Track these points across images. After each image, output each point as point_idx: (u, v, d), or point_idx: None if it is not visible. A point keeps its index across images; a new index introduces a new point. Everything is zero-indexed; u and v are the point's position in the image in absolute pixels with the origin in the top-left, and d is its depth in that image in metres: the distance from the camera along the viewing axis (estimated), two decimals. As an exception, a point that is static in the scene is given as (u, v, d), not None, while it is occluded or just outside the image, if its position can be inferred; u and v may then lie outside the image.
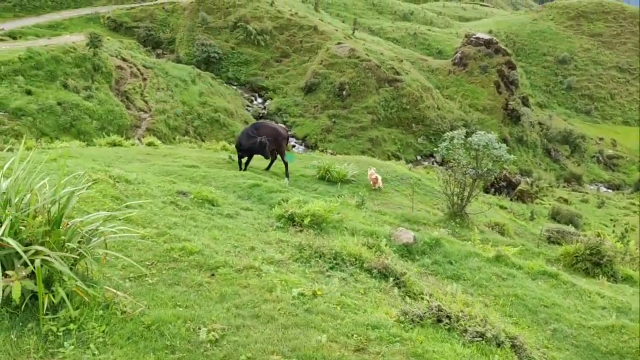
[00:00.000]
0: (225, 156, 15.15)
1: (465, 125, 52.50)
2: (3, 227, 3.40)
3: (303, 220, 7.01)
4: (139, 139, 37.04)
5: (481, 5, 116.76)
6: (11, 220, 3.52)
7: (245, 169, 13.52)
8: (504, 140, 56.83)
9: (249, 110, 49.69)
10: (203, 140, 41.05)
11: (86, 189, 4.37)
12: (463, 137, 12.46)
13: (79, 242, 3.75)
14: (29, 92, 33.02)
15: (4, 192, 3.72)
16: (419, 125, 52.01)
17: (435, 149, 51.56)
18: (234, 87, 52.37)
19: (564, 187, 52.42)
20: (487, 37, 59.57)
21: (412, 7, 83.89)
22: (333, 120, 49.28)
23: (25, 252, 3.38)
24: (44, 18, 54.08)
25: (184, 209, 6.64)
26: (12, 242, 3.27)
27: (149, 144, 15.77)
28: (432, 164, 49.96)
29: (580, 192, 51.01)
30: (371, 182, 14.09)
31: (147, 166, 10.74)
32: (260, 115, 50.25)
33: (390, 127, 50.89)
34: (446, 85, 58.46)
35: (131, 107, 39.41)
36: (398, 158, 44.71)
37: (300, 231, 6.86)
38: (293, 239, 6.33)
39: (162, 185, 7.72)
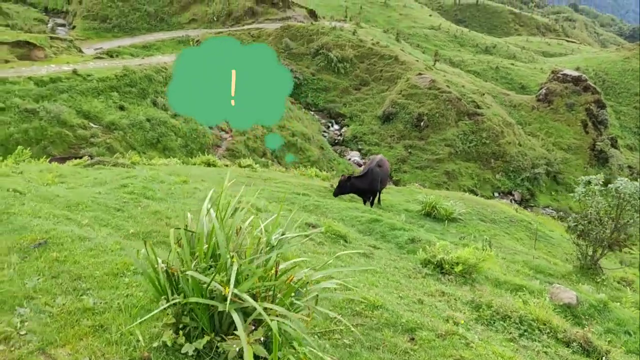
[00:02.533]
0: (321, 183, 14.60)
1: (548, 164, 50.11)
2: (232, 279, 2.92)
3: (453, 268, 6.28)
4: (218, 158, 37.81)
5: (567, 41, 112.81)
6: (238, 270, 3.09)
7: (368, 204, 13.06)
8: (589, 183, 53.70)
9: (325, 136, 49.71)
10: (280, 164, 41.39)
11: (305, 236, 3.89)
12: (601, 182, 11.30)
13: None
14: (122, 108, 34.51)
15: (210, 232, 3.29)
16: (498, 161, 50.01)
17: (514, 186, 49.47)
18: (312, 113, 52.73)
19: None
20: (575, 73, 56.90)
21: (495, 40, 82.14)
22: (409, 150, 48.36)
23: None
24: (139, 39, 57.18)
25: (320, 244, 6.11)
26: (249, 300, 2.85)
27: (247, 166, 15.52)
28: (511, 202, 47.71)
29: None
30: None
31: (257, 191, 10.43)
32: (336, 141, 50.15)
33: (467, 161, 49.25)
34: (529, 122, 56.14)
35: (214, 126, 40.22)
36: (475, 194, 42.99)
37: (450, 280, 6.11)
38: (458, 292, 5.60)
39: (287, 214, 7.26)
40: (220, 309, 3.04)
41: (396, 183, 46.26)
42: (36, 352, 3.33)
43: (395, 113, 50.28)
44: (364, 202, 13.42)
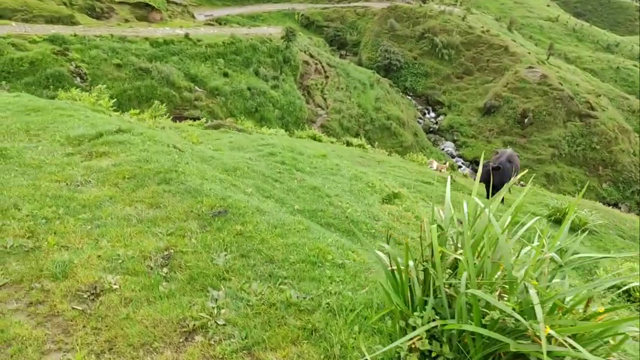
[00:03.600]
0: (435, 172, 13.67)
1: (665, 179, 45.44)
2: (539, 313, 2.11)
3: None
4: (312, 133, 37.96)
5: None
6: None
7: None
8: None
9: (420, 123, 48.35)
10: (372, 145, 40.87)
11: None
12: None
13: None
14: (225, 75, 35.46)
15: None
16: (607, 169, 46.11)
17: (622, 198, 45.45)
18: (409, 98, 51.43)
19: None
20: None
21: (618, 38, 75.25)
22: (508, 147, 45.74)
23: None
24: (247, 9, 58.51)
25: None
26: (581, 350, 1.99)
27: (359, 146, 15.10)
28: (615, 215, 43.96)
29: None
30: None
31: (383, 175, 9.88)
32: (431, 129, 48.62)
33: (572, 165, 45.86)
34: (648, 131, 51.10)
35: (310, 101, 40.39)
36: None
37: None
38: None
39: (381, 185, 6.85)
40: (523, 350, 2.21)
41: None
42: (241, 352, 2.87)
43: (498, 106, 47.73)
44: (488, 196, 12.32)
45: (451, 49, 52.56)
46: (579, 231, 10.27)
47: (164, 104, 30.41)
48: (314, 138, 15.92)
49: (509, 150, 13.32)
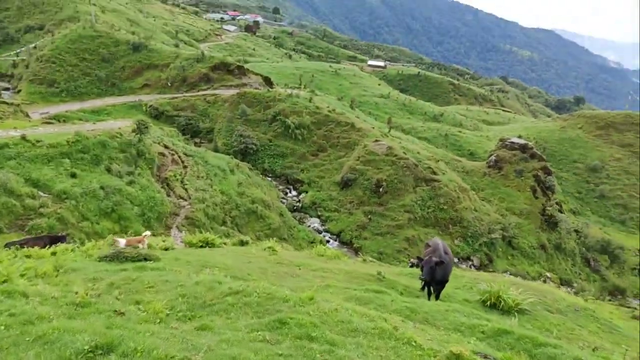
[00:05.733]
0: (361, 269, 12.99)
1: (503, 229, 51.07)
2: None
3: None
4: (177, 227, 35.86)
5: (503, 110, 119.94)
6: None
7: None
8: (542, 247, 55.11)
9: (284, 203, 48.76)
10: (240, 232, 39.77)
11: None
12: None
13: None
14: (73, 175, 32.45)
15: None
16: (456, 226, 50.54)
17: (472, 252, 49.76)
18: (269, 179, 51.96)
19: (609, 300, 49.57)
20: (521, 141, 59.67)
21: (441, 109, 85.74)
22: (369, 217, 48.07)
23: None
24: (88, 104, 55.41)
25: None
26: None
27: (269, 248, 13.90)
28: (470, 267, 47.85)
29: (629, 307, 48.07)
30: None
31: (327, 292, 8.87)
32: (295, 208, 49.23)
33: (426, 227, 49.39)
34: (481, 187, 57.72)
35: (171, 194, 38.59)
36: (418, 258, 42.74)
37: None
38: None
39: (423, 340, 6.07)
40: None
41: (356, 251, 45.56)
42: None
43: (354, 179, 50.31)
44: (429, 295, 11.92)
45: (303, 129, 54.91)
46: (514, 313, 10.41)
47: (2, 216, 26.61)
48: (206, 242, 14.29)
49: (437, 239, 12.98)
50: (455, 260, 48.54)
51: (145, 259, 9.50)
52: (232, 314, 6.75)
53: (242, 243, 15.67)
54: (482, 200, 54.87)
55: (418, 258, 13.27)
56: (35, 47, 67.60)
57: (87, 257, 10.33)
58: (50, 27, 75.20)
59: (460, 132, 74.09)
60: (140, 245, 13.16)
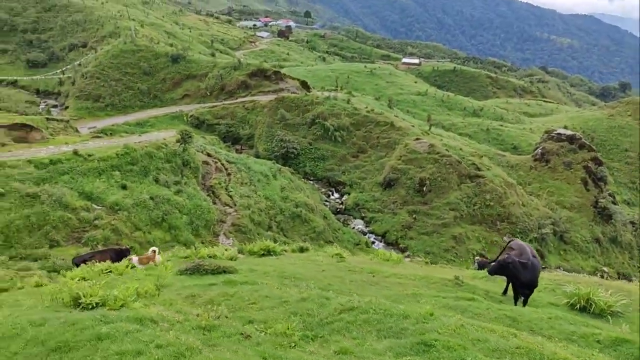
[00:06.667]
0: (438, 274, 12.55)
1: (554, 224, 49.45)
2: None
3: None
4: (224, 234, 36.30)
5: (544, 101, 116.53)
6: None
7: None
8: (597, 241, 53.08)
9: (327, 205, 48.71)
10: (285, 236, 39.91)
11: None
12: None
13: None
14: (124, 187, 33.30)
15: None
16: (504, 222, 49.23)
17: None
18: (311, 182, 52.06)
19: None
20: (568, 132, 57.76)
21: (480, 103, 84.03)
22: (414, 216, 47.47)
23: None
24: (132, 117, 56.98)
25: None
26: None
27: (337, 255, 13.77)
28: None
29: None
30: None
31: (415, 300, 8.59)
32: (338, 210, 49.13)
33: (473, 224, 48.37)
34: (528, 182, 56.14)
35: (217, 201, 39.11)
36: (483, 257, 41.89)
37: None
38: None
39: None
40: None
41: (403, 250, 45.04)
42: None
43: (396, 179, 49.79)
44: (515, 300, 11.34)
45: (342, 130, 54.78)
46: (608, 317, 9.77)
47: (59, 229, 27.53)
48: (268, 250, 13.99)
49: (520, 242, 12.07)
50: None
51: (224, 271, 9.53)
52: (355, 332, 6.47)
53: (302, 250, 15.60)
54: (530, 194, 53.34)
55: (481, 255, 12.74)
56: (80, 64, 70.02)
57: (164, 269, 10.44)
58: (93, 44, 77.75)
59: (501, 126, 72.38)
60: (151, 262, 13.37)
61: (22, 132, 36.36)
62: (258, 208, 39.93)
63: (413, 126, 56.88)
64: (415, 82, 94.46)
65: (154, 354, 4.87)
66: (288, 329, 5.97)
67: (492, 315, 8.10)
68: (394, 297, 8.49)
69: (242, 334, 5.63)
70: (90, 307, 6.10)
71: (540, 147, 56.48)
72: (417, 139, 53.04)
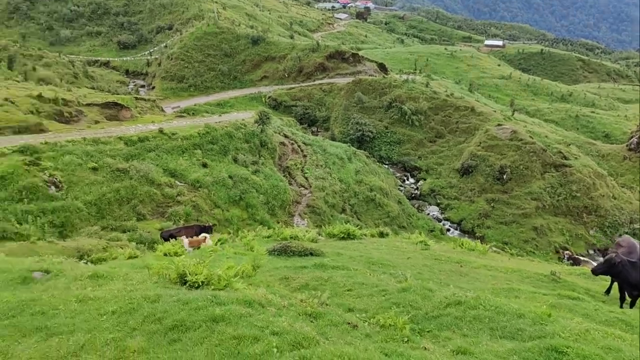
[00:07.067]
0: (530, 267, 11.94)
1: (647, 219, 45.80)
2: None
3: None
4: (299, 214, 36.75)
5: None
6: None
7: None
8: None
9: (401, 190, 48.01)
10: (359, 220, 39.80)
11: None
12: None
13: None
14: (205, 165, 34.45)
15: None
16: (592, 215, 46.28)
17: (611, 243, 45.29)
18: (386, 166, 51.47)
19: None
20: (670, 121, 52.97)
21: (570, 88, 79.00)
22: (492, 205, 45.71)
23: None
24: (213, 97, 58.85)
25: None
26: None
27: (421, 242, 13.64)
28: (608, 261, 43.57)
29: None
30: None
31: (513, 296, 8.17)
32: (413, 195, 48.30)
33: (556, 216, 45.84)
34: (621, 173, 52.30)
35: (293, 182, 39.61)
36: (567, 250, 39.64)
37: None
38: None
39: None
40: None
41: (481, 239, 43.57)
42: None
43: (475, 166, 48.06)
44: (622, 301, 10.56)
45: (420, 114, 53.54)
46: None
47: (145, 204, 29.05)
48: (348, 234, 13.93)
49: (631, 238, 11.17)
50: (591, 252, 44.60)
51: (311, 254, 9.60)
52: (465, 329, 6.16)
53: (382, 234, 15.41)
54: (622, 186, 49.69)
55: (563, 249, 11.86)
56: (165, 46, 73.09)
57: (249, 249, 10.68)
58: (178, 27, 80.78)
59: (592, 112, 67.68)
60: (202, 245, 13.92)
61: (114, 111, 38.53)
62: (332, 190, 40.05)
63: (495, 111, 54.51)
64: (499, 65, 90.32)
65: (272, 341, 4.77)
66: (397, 321, 5.76)
67: (602, 318, 7.45)
68: (489, 291, 8.02)
69: (349, 323, 5.49)
70: (197, 285, 6.17)
71: (637, 136, 52.28)
72: (499, 124, 50.80)
